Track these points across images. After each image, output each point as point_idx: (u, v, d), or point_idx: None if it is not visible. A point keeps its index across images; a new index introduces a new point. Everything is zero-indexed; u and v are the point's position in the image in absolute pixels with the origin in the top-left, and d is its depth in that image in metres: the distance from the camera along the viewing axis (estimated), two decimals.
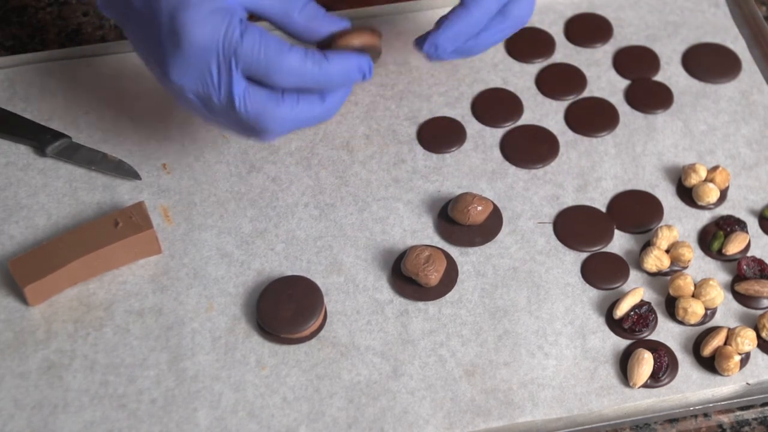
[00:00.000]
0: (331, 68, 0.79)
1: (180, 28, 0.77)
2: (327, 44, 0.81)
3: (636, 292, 0.84)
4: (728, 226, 0.88)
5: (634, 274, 0.87)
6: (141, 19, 0.79)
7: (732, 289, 0.86)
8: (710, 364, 0.82)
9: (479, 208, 0.87)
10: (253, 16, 0.81)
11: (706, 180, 0.90)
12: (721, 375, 0.82)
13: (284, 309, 0.83)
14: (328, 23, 0.81)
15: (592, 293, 0.86)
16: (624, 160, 0.93)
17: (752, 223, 0.90)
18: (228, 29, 0.77)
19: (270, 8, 0.80)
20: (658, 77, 0.99)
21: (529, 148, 0.94)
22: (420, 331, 0.84)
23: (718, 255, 0.88)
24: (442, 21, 0.85)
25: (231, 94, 0.78)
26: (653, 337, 0.84)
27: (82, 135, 0.94)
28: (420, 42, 0.86)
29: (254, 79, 0.79)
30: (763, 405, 0.82)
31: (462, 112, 0.96)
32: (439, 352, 0.83)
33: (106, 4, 0.83)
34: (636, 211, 0.90)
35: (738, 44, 1.00)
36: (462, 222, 0.87)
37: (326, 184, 0.91)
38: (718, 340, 0.82)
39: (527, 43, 1.00)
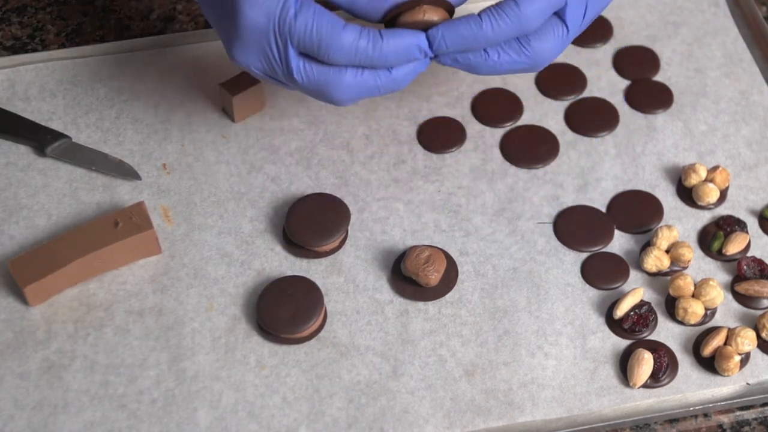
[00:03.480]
0: (386, 47, 0.79)
1: (237, 8, 0.78)
2: (393, 21, 0.80)
3: (636, 292, 0.84)
4: (728, 226, 0.88)
5: (634, 274, 0.87)
6: (212, 3, 0.81)
7: (732, 289, 0.86)
8: (710, 364, 0.82)
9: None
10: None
11: (706, 180, 0.90)
12: (721, 375, 0.82)
13: (284, 309, 0.83)
14: None
15: (592, 293, 0.86)
16: (624, 160, 0.93)
17: (752, 223, 0.90)
18: (283, 8, 0.78)
19: None
20: (658, 77, 0.99)
21: (529, 148, 0.94)
22: (420, 331, 0.84)
23: (718, 255, 0.88)
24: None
25: (290, 69, 0.79)
26: (653, 337, 0.84)
27: (82, 135, 0.94)
28: (430, 31, 0.81)
29: (311, 56, 0.80)
30: (763, 405, 0.82)
31: (462, 112, 0.96)
32: (439, 352, 0.83)
33: None
34: (636, 211, 0.90)
35: (738, 44, 1.00)
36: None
37: (326, 184, 0.91)
38: (718, 341, 0.82)
39: None
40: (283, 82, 0.82)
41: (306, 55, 0.80)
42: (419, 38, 0.79)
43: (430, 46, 0.80)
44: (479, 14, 0.79)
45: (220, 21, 0.81)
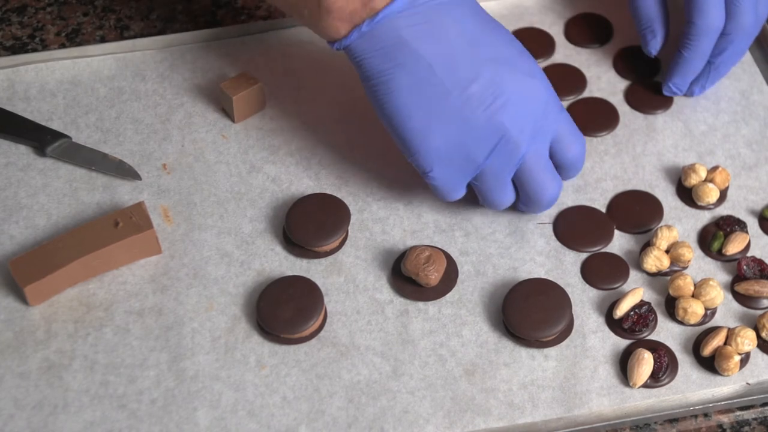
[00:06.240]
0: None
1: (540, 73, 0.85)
2: None
3: (636, 292, 0.84)
4: (728, 226, 0.88)
5: (634, 274, 0.87)
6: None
7: (732, 289, 0.86)
8: (710, 364, 0.82)
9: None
10: None
11: (706, 180, 0.90)
12: (721, 375, 0.82)
13: (284, 309, 0.83)
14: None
15: (592, 293, 0.86)
16: (624, 160, 0.93)
17: (752, 223, 0.90)
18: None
19: None
20: (658, 77, 0.99)
21: None
22: (420, 331, 0.84)
23: (718, 255, 0.88)
24: (670, 65, 0.95)
25: (543, 153, 0.84)
26: (653, 337, 0.84)
27: (82, 135, 0.94)
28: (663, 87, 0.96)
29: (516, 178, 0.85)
30: (763, 405, 0.82)
31: None
32: (439, 352, 0.83)
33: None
34: (636, 211, 0.90)
35: None
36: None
37: (326, 184, 0.91)
38: (718, 340, 0.82)
39: (527, 43, 1.00)
40: (489, 170, 0.84)
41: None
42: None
43: (673, 92, 0.96)
44: (678, 54, 0.94)
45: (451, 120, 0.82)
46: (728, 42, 0.92)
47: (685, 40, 0.92)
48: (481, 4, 1.01)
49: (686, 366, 0.82)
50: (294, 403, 0.80)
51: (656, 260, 0.86)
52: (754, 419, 0.81)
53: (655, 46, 0.95)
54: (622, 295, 0.84)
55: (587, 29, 1.01)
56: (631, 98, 0.97)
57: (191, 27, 1.03)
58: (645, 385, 0.81)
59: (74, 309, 0.84)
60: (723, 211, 0.90)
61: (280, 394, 0.81)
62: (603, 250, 0.88)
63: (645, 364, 0.81)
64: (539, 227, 0.89)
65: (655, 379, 0.81)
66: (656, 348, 0.82)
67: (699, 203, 0.90)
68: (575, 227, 0.89)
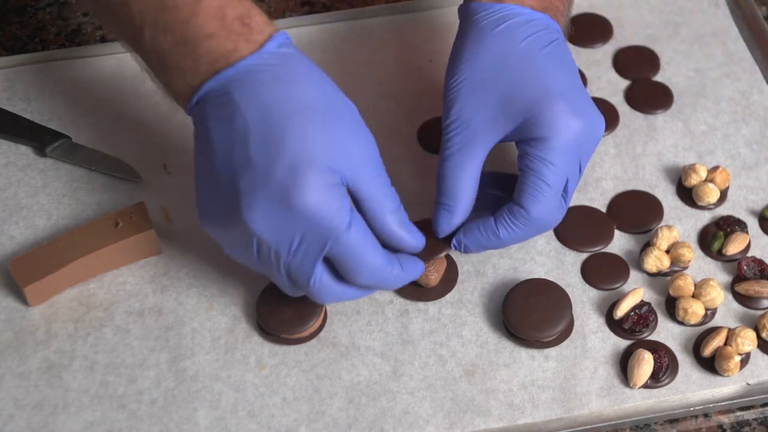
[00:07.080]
0: (402, 277, 0.79)
1: (298, 186, 0.72)
2: None
3: (636, 293, 0.84)
4: (728, 226, 0.88)
5: (634, 275, 0.87)
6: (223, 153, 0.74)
7: (732, 289, 0.86)
8: (710, 365, 0.82)
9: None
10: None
11: (706, 180, 0.90)
12: (721, 375, 0.82)
13: (284, 309, 0.83)
14: (410, 237, 0.78)
15: (592, 293, 0.86)
16: (624, 160, 0.93)
17: (752, 224, 0.90)
18: (340, 212, 0.73)
19: (367, 198, 0.76)
20: (658, 77, 0.99)
21: None
22: (420, 332, 0.84)
23: (718, 255, 0.88)
24: (467, 224, 0.82)
25: (305, 269, 0.75)
26: (653, 337, 0.84)
27: (82, 135, 0.94)
28: (454, 238, 0.82)
29: (330, 261, 0.76)
30: (763, 405, 0.82)
31: None
32: (439, 352, 0.83)
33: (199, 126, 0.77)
34: (636, 211, 0.90)
35: (738, 44, 1.00)
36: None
37: None
38: (718, 341, 0.82)
39: None
40: (263, 264, 0.76)
41: (325, 259, 0.76)
42: (423, 268, 0.81)
43: (461, 248, 0.82)
44: (494, 221, 0.81)
45: (248, 180, 0.73)
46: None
47: (506, 217, 0.81)
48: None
49: (686, 366, 0.82)
50: (294, 404, 0.80)
51: (656, 260, 0.86)
52: (755, 419, 0.81)
53: (445, 225, 0.81)
54: (622, 296, 0.84)
55: (587, 29, 1.01)
56: (631, 98, 0.97)
57: None
58: (645, 386, 0.81)
59: (74, 309, 0.84)
60: (723, 211, 0.90)
61: (280, 394, 0.81)
62: (603, 250, 0.88)
63: (645, 364, 0.81)
64: None
65: (656, 379, 0.81)
66: (656, 348, 0.82)
67: (699, 203, 0.90)
68: (575, 227, 0.89)
